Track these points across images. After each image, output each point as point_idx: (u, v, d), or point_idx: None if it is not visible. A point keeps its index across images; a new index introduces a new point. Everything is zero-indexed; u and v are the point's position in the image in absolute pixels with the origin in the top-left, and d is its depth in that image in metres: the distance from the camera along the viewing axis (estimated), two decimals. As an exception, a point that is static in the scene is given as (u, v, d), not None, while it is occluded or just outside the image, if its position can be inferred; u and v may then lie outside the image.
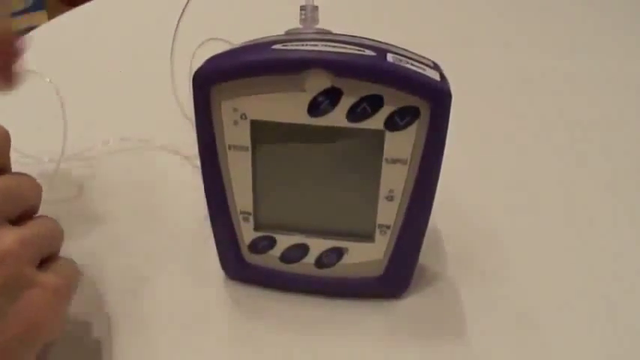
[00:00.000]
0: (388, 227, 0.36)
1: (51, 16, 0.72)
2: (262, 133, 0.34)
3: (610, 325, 0.38)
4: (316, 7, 0.37)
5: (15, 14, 2.23)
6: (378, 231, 0.37)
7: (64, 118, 0.45)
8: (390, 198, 0.35)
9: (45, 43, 0.66)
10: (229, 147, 0.35)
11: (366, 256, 0.38)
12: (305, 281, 0.39)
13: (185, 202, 0.46)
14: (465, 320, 0.38)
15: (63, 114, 0.45)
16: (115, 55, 0.65)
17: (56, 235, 0.34)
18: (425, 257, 0.40)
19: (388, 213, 0.36)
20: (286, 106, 0.33)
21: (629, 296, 0.40)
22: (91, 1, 0.75)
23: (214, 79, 0.33)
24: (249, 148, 0.35)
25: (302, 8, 0.37)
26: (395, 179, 0.35)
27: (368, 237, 0.37)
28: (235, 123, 0.34)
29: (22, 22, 2.16)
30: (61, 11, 0.73)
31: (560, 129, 0.57)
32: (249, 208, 0.37)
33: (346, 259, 0.38)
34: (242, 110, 0.34)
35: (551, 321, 0.39)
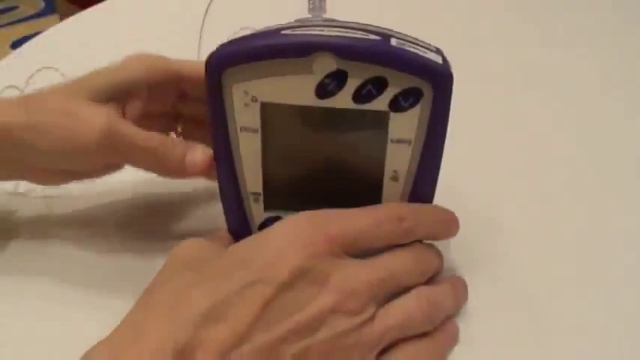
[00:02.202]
0: None
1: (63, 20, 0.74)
2: (272, 115, 0.36)
3: (611, 312, 0.39)
4: (324, -3, 0.38)
5: (27, 18, 2.27)
6: None
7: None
8: (394, 178, 0.37)
9: (60, 44, 0.67)
10: (240, 129, 0.36)
11: None
12: None
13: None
14: (466, 309, 0.39)
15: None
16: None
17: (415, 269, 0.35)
18: None
19: (392, 194, 0.37)
20: (295, 88, 0.35)
21: (632, 284, 0.41)
22: (103, 2, 0.76)
23: (226, 64, 0.35)
24: (259, 130, 0.36)
25: (311, -2, 0.38)
26: (399, 159, 0.36)
27: None
28: (246, 105, 0.36)
29: (34, 26, 2.20)
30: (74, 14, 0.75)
31: (565, 120, 0.57)
32: (259, 189, 0.38)
33: None
34: (252, 93, 0.35)
35: (552, 307, 0.39)
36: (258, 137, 0.37)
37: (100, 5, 0.74)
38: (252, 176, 0.38)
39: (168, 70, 0.40)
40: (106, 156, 0.38)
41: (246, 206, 0.39)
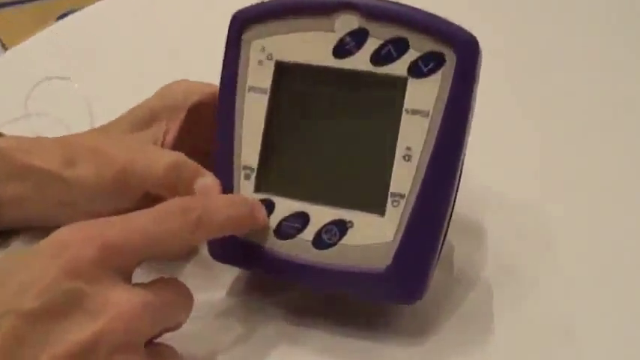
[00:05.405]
0: (402, 196, 0.33)
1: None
2: (285, 75, 0.35)
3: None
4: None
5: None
6: (389, 201, 0.33)
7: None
8: (407, 157, 0.33)
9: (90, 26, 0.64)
10: (249, 89, 0.35)
11: (373, 234, 0.33)
12: (299, 267, 0.34)
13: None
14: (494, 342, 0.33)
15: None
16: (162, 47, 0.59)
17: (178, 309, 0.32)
18: (451, 259, 0.37)
19: (403, 177, 0.33)
20: (313, 46, 0.34)
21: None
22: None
23: (251, 20, 0.35)
24: (268, 91, 0.35)
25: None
26: (414, 134, 0.33)
27: (377, 207, 0.33)
28: (260, 63, 0.35)
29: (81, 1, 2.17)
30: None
31: (615, 126, 0.49)
32: (254, 163, 0.35)
33: (350, 238, 0.33)
34: (269, 50, 0.35)
35: (590, 336, 0.34)
36: (265, 100, 0.35)
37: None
38: (249, 146, 0.35)
39: (204, 93, 0.40)
40: (128, 189, 0.37)
41: (235, 185, 0.35)
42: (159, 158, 0.36)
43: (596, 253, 0.38)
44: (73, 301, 0.27)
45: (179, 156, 0.36)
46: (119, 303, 0.28)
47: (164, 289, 0.30)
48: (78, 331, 0.27)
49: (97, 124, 0.43)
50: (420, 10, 0.34)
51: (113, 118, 0.41)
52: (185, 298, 0.31)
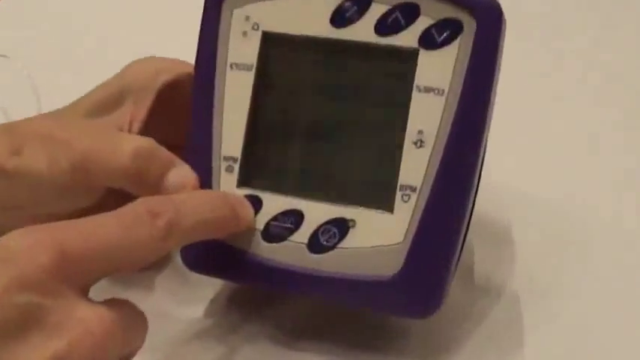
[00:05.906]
0: (414, 189, 0.29)
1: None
2: (273, 48, 0.31)
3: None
4: None
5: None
6: (399, 195, 0.29)
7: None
8: (418, 143, 0.29)
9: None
10: (231, 66, 0.32)
11: (379, 235, 0.29)
12: (291, 275, 0.30)
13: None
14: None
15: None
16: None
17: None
18: (471, 265, 0.34)
19: (415, 167, 0.29)
20: (307, 13, 0.31)
21: None
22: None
23: None
24: (254, 68, 0.31)
25: None
26: (427, 115, 0.29)
27: (384, 203, 0.29)
28: (244, 35, 0.32)
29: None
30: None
31: None
32: (237, 152, 0.31)
33: (351, 240, 0.30)
34: (255, 19, 0.31)
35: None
36: (250, 77, 0.31)
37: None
38: (231, 133, 0.32)
39: (177, 72, 0.37)
40: (87, 183, 0.33)
41: (214, 180, 0.32)
42: (125, 144, 0.32)
43: (635, 259, 0.35)
44: (28, 316, 0.24)
45: (149, 142, 0.32)
46: (86, 319, 0.25)
47: (121, 310, 0.27)
48: (37, 351, 0.24)
49: (46, 110, 0.39)
50: (432, -31, 0.30)
51: (66, 103, 0.37)
52: (141, 322, 0.28)
